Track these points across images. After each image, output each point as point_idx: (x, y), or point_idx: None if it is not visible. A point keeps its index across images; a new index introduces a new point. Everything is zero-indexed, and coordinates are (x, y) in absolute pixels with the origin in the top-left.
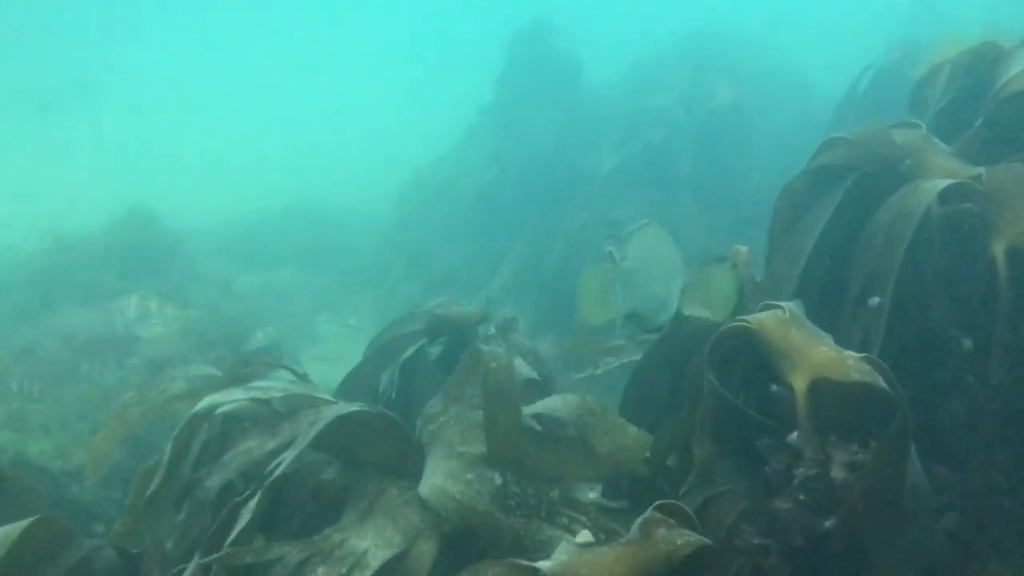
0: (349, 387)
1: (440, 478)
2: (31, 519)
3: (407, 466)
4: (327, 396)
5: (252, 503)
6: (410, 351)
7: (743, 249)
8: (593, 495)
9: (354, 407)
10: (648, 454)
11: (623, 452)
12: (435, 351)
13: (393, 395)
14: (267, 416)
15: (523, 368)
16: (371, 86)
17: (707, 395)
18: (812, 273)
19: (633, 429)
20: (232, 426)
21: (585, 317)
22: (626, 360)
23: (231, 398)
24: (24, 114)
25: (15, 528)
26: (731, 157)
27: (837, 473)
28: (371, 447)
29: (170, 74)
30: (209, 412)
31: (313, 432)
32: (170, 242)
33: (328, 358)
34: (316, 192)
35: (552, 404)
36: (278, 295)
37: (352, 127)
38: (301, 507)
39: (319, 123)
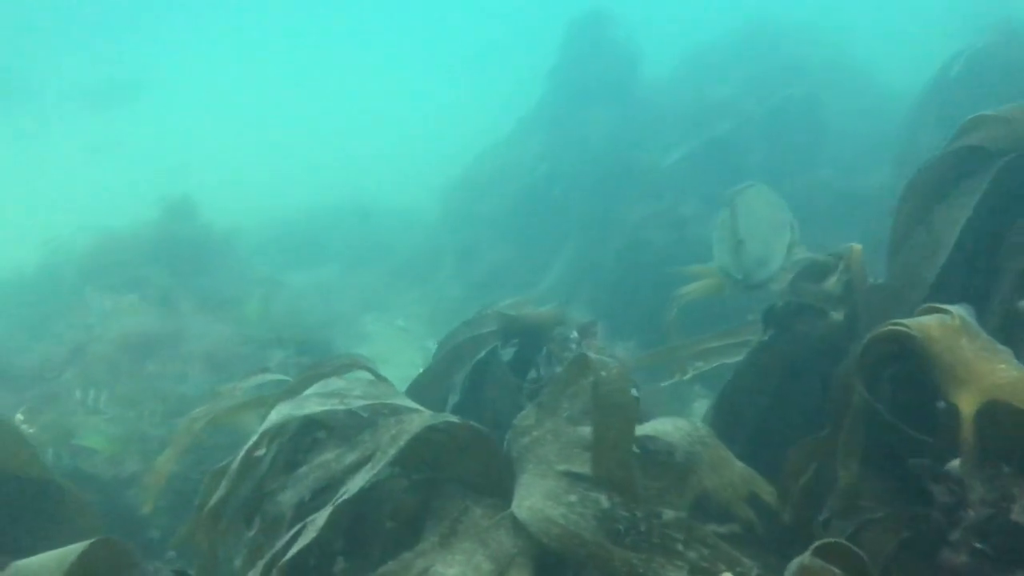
0: (417, 391)
1: (538, 499)
2: (90, 541)
3: (492, 483)
4: (410, 402)
5: (321, 521)
6: (482, 354)
7: (857, 247)
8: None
9: (441, 417)
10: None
11: (728, 489)
12: (507, 354)
13: (459, 399)
14: (345, 422)
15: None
16: (418, 81)
17: (856, 409)
18: (952, 273)
19: (740, 466)
20: (307, 434)
21: (672, 317)
22: (716, 364)
23: (305, 409)
24: (73, 112)
25: (73, 550)
26: (803, 149)
27: (1021, 517)
28: (454, 461)
29: (216, 72)
30: (283, 425)
31: (396, 446)
32: (219, 240)
33: (376, 359)
34: (361, 190)
35: (663, 427)
36: (325, 294)
37: (398, 123)
38: (379, 527)
39: (364, 120)
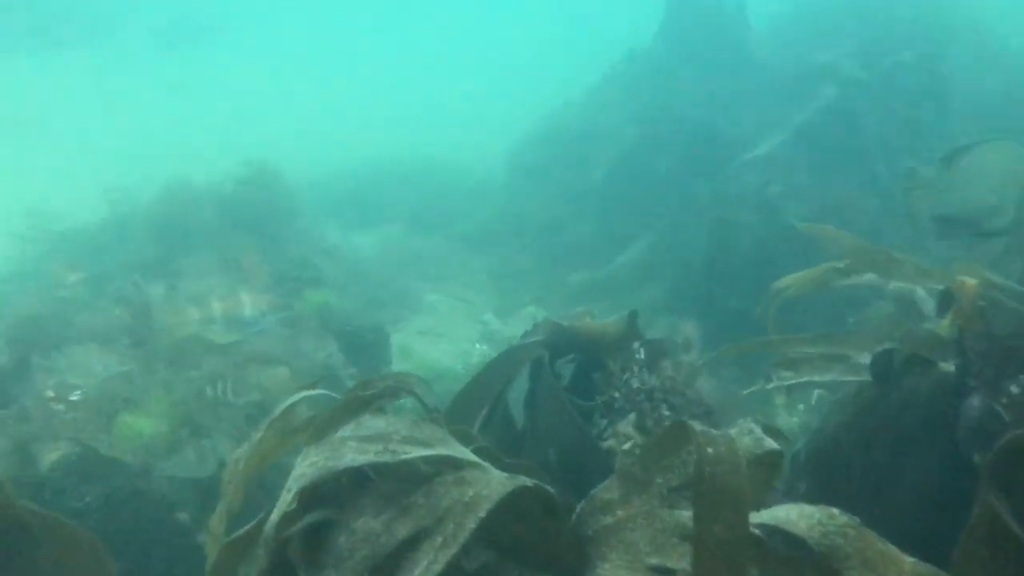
0: (460, 407)
1: None
2: None
3: (554, 559)
4: (463, 450)
5: None
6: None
7: (970, 284)
8: None
9: (517, 482)
10: None
11: None
12: (566, 372)
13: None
14: (390, 475)
15: (751, 440)
16: (493, 31)
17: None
18: None
19: (910, 561)
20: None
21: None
22: (805, 379)
23: (343, 461)
24: (144, 52)
25: None
26: (919, 123)
27: None
28: (513, 533)
29: (289, 18)
30: (318, 484)
31: (472, 519)
32: (288, 204)
33: (431, 332)
34: (432, 146)
35: (785, 516)
36: (384, 259)
37: (468, 76)
38: None
39: (434, 71)
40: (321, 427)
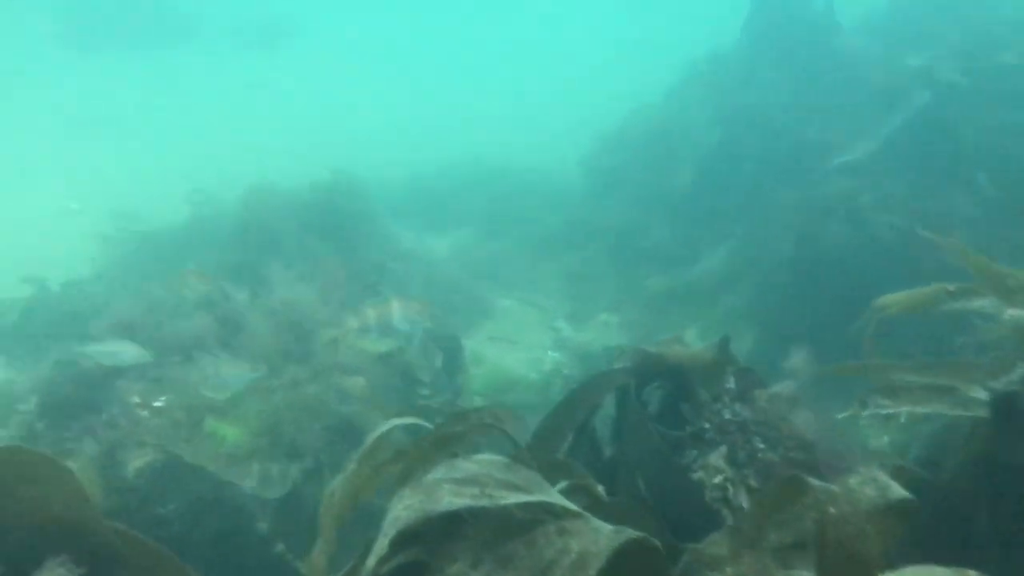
0: (546, 433)
1: None
2: None
3: None
4: (560, 499)
5: None
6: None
7: None
8: None
9: (626, 535)
10: None
11: None
12: (654, 399)
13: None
14: (485, 521)
15: (875, 490)
16: (571, 34)
17: None
18: None
19: None
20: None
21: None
22: (906, 409)
23: (440, 504)
24: (222, 52)
25: None
26: (1014, 128)
27: None
28: None
29: (363, 19)
30: (416, 529)
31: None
32: (366, 209)
33: (502, 338)
34: (507, 149)
35: None
36: (457, 263)
37: (543, 77)
38: None
39: (513, 75)
40: (413, 464)
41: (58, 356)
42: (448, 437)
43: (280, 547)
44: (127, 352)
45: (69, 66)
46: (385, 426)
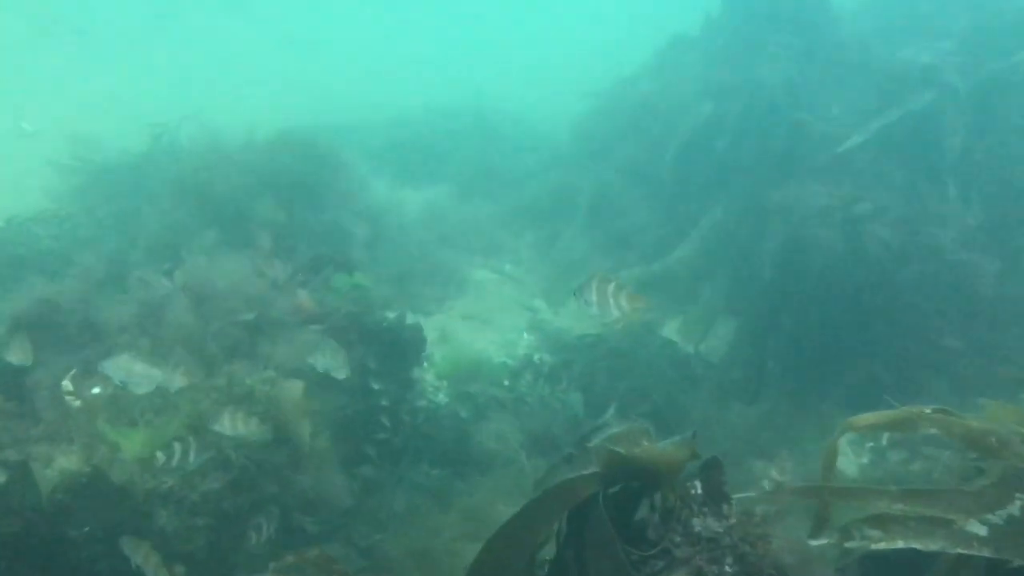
0: (501, 546)
1: None
2: None
3: None
4: None
5: None
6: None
7: None
8: None
9: None
10: None
11: None
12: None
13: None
14: None
15: None
16: None
17: None
18: None
19: None
20: None
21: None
22: (900, 544)
23: None
24: None
25: None
26: (1019, 134)
27: None
28: None
29: None
30: None
31: None
32: (335, 163)
33: (477, 317)
34: (499, 102)
35: None
36: (431, 225)
37: (540, 29)
38: None
39: (502, 17)
40: None
41: None
42: None
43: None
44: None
45: None
46: None
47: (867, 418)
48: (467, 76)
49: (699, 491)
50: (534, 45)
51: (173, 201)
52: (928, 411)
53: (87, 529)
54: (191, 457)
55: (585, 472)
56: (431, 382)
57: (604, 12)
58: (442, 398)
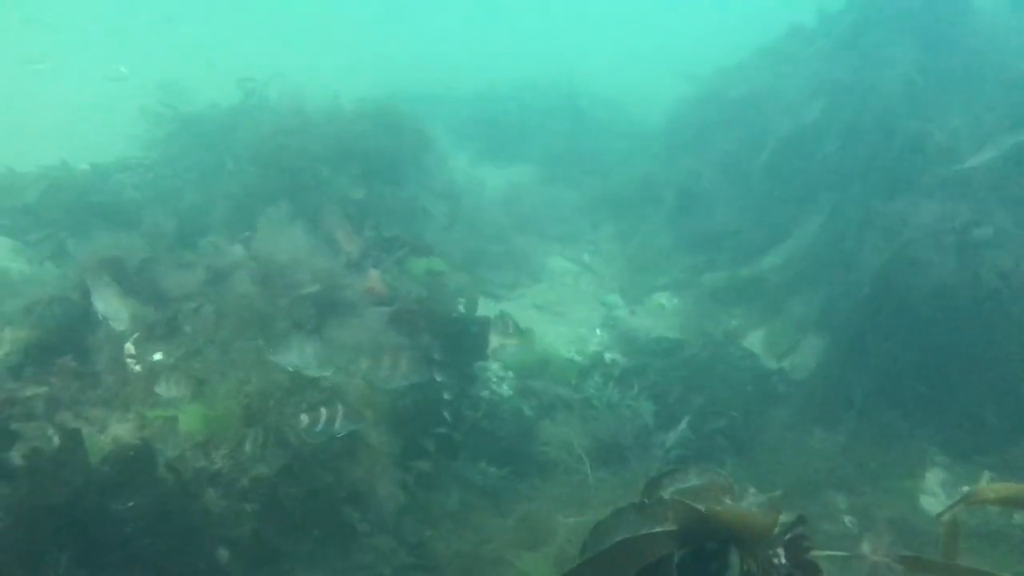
0: None
1: None
2: None
3: None
4: None
5: None
6: None
7: None
8: None
9: None
10: None
11: None
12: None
13: None
14: None
15: None
16: None
17: None
18: None
19: None
20: None
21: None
22: None
23: None
24: None
25: None
26: None
27: None
28: None
29: None
30: None
31: None
32: (418, 139)
33: (550, 308)
34: (585, 78)
35: None
36: (510, 208)
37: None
38: None
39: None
40: None
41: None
42: None
43: None
44: None
45: None
46: None
47: (994, 490)
48: (562, 54)
49: (783, 560)
50: (641, 28)
51: (254, 164)
52: None
53: (131, 504)
54: (247, 446)
55: (659, 530)
56: (496, 371)
57: None
58: (506, 390)
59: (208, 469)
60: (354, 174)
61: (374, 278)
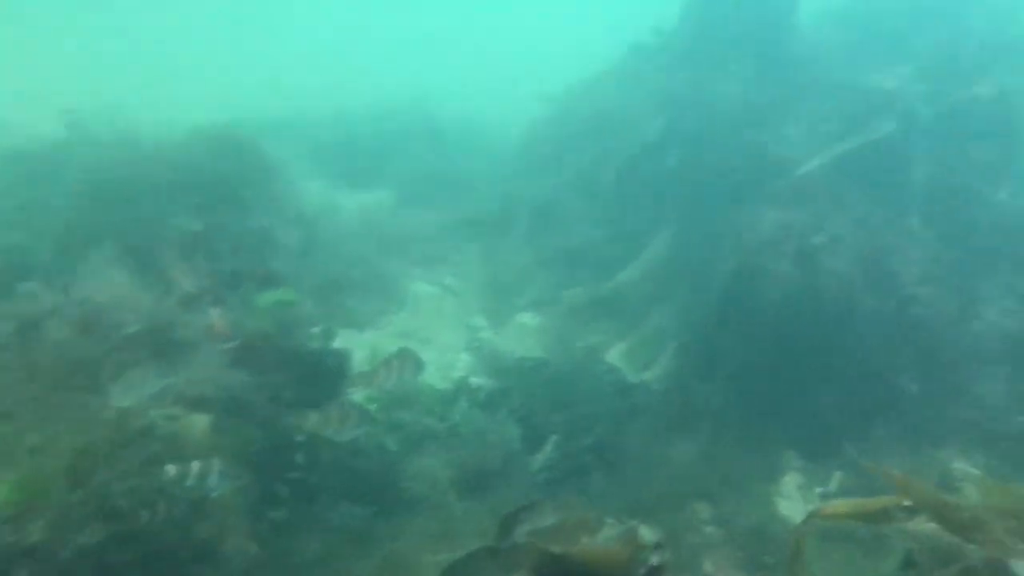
0: None
1: None
2: None
3: None
4: None
5: None
6: None
7: None
8: None
9: None
10: None
11: None
12: None
13: None
14: None
15: None
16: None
17: None
18: None
19: None
20: None
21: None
22: None
23: None
24: None
25: None
26: (979, 167)
27: None
28: None
29: None
30: None
31: None
32: (266, 164)
33: (414, 335)
34: (449, 101)
35: None
36: (369, 232)
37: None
38: None
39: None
40: None
41: None
42: None
43: None
44: None
45: None
46: None
47: (838, 507)
48: (417, 75)
49: None
50: (496, 45)
51: (82, 199)
52: (905, 501)
53: None
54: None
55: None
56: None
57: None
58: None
59: (22, 543)
60: (192, 204)
61: (214, 317)
